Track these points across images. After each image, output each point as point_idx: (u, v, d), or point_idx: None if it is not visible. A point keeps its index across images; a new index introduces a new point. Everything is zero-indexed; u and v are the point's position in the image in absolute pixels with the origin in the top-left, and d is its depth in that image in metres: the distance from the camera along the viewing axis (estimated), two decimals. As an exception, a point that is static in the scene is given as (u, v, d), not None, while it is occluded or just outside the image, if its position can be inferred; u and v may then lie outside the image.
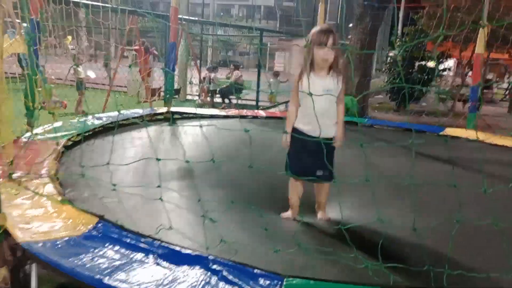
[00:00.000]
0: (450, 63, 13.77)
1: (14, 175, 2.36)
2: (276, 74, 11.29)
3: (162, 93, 7.17)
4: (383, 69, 12.64)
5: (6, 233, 1.79)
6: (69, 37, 8.46)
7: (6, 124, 2.28)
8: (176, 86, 10.02)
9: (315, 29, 2.29)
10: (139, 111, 4.65)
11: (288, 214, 2.46)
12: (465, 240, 1.93)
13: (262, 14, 39.29)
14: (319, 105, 2.09)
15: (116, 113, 4.41)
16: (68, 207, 2.05)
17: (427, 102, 11.73)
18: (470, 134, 4.66)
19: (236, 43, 25.22)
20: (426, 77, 11.05)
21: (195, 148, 3.25)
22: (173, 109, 4.91)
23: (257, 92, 9.57)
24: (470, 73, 15.83)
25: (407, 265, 1.62)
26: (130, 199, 2.31)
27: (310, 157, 2.28)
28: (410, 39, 11.40)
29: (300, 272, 1.60)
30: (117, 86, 8.81)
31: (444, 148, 3.70)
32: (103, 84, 8.71)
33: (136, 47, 8.39)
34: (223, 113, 5.43)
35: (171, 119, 4.57)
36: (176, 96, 9.23)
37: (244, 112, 5.71)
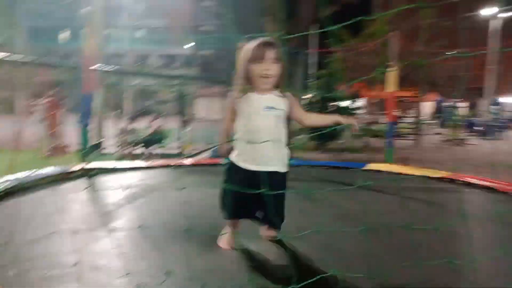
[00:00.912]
0: (360, 102, 14.80)
1: None
2: (186, 122, 11.14)
3: (69, 149, 6.70)
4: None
5: None
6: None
7: None
8: (95, 140, 9.49)
9: (251, 43, 1.95)
10: (48, 170, 4.23)
11: (223, 241, 2.08)
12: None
13: (180, 63, 39.64)
14: (259, 128, 1.82)
15: (23, 173, 3.95)
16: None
17: (344, 140, 12.33)
18: (391, 167, 4.88)
19: (155, 91, 24.94)
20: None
21: (119, 211, 2.97)
22: (90, 165, 4.55)
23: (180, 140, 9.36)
24: (378, 112, 17.07)
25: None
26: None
27: (247, 196, 1.82)
28: (324, 82, 12.10)
29: None
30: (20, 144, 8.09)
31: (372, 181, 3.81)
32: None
33: (47, 100, 7.84)
34: (146, 164, 5.16)
35: (89, 175, 4.21)
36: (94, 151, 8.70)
37: (170, 162, 5.49)
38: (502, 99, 22.40)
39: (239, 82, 1.94)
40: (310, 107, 12.31)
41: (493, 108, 19.26)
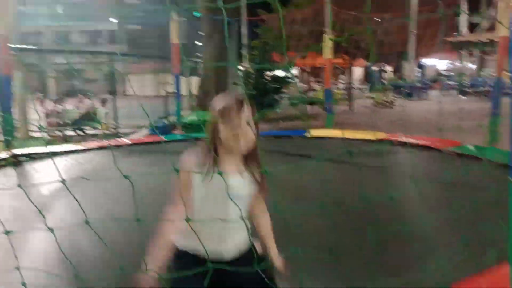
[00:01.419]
0: (295, 71, 14.98)
1: None
2: (104, 101, 10.59)
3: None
4: (238, 82, 13.07)
5: None
6: None
7: None
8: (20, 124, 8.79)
9: (220, 100, 1.51)
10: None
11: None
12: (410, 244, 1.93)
13: (106, 39, 37.47)
14: (215, 214, 1.46)
15: None
16: None
17: (281, 109, 12.48)
18: (333, 133, 5.00)
19: (81, 70, 23.52)
20: (278, 86, 11.77)
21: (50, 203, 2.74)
22: (18, 151, 4.17)
23: (116, 119, 8.91)
24: (312, 79, 17.44)
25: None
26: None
27: None
28: (259, 52, 12.03)
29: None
30: None
31: (315, 148, 3.87)
32: None
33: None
34: (80, 147, 4.84)
35: (18, 163, 3.87)
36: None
37: (106, 142, 5.20)
38: (424, 62, 23.82)
39: (202, 148, 1.52)
40: (247, 78, 12.27)
41: (416, 70, 20.43)
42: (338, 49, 11.45)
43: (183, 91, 6.68)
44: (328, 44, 5.51)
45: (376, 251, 1.81)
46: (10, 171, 3.67)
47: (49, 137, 9.03)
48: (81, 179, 3.32)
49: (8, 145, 4.17)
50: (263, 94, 11.26)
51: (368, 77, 23.30)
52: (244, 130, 1.45)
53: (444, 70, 24.55)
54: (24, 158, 4.05)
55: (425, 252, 1.91)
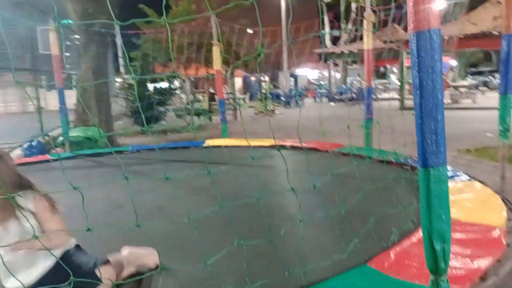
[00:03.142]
0: (177, 83, 14.94)
1: None
2: None
3: None
4: (119, 95, 12.57)
5: None
6: None
7: None
8: None
9: None
10: None
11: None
12: (304, 237, 2.11)
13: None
14: None
15: None
16: None
17: (166, 121, 12.34)
18: (229, 142, 5.18)
19: None
20: (163, 97, 11.65)
21: None
22: None
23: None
24: (195, 90, 17.55)
25: (271, 277, 1.65)
26: None
27: None
28: (139, 63, 11.76)
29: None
30: None
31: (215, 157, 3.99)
32: None
33: None
34: None
35: None
36: None
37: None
38: (297, 72, 25.77)
39: None
40: (128, 90, 11.86)
41: (290, 80, 21.96)
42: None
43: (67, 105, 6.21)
44: (217, 54, 5.70)
45: (277, 239, 1.98)
46: None
47: None
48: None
49: None
50: (147, 107, 11.04)
51: (247, 87, 24.29)
52: None
53: (314, 79, 26.88)
54: None
55: (336, 237, 2.16)
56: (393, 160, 3.84)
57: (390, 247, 2.01)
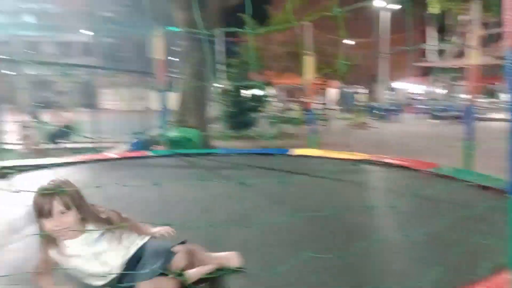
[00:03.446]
0: (272, 90, 15.27)
1: None
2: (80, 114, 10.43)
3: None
4: (216, 100, 13.21)
5: None
6: None
7: None
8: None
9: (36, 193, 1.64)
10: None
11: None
12: (383, 258, 2.05)
13: (78, 51, 36.91)
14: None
15: None
16: None
17: (259, 127, 12.66)
18: (316, 152, 5.15)
19: (53, 82, 23.07)
20: (256, 104, 11.98)
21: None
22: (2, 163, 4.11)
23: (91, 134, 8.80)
24: (289, 99, 17.73)
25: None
26: None
27: None
28: (237, 70, 12.24)
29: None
30: None
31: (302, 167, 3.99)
32: None
33: None
34: (65, 160, 4.80)
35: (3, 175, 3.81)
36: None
37: (89, 156, 5.16)
38: (395, 85, 24.73)
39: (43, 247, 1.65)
40: (224, 96, 12.41)
41: (388, 93, 21.17)
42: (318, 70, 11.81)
43: (169, 106, 6.74)
44: (310, 65, 5.72)
45: (350, 257, 1.92)
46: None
47: (24, 150, 8.82)
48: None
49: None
50: (241, 112, 11.43)
51: (341, 98, 23.94)
52: (60, 220, 1.56)
53: (415, 94, 25.54)
54: (10, 171, 3.99)
55: (416, 263, 2.04)
56: (494, 187, 3.50)
57: (476, 282, 1.84)
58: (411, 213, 2.88)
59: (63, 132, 9.42)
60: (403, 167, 4.43)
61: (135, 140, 7.98)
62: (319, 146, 6.40)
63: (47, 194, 1.58)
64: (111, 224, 1.69)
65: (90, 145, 8.83)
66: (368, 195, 3.53)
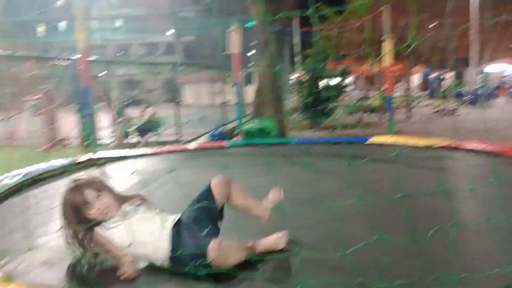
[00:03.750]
0: (350, 79, 14.86)
1: None
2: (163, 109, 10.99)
3: (67, 142, 6.68)
4: (292, 91, 13.21)
5: None
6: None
7: None
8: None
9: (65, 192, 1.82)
10: (56, 163, 4.20)
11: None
12: (462, 243, 1.94)
13: (163, 50, 39.08)
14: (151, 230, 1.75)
15: (32, 167, 3.91)
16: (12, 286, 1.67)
17: (336, 117, 12.42)
18: (396, 139, 4.94)
19: (141, 81, 24.69)
20: (332, 94, 11.75)
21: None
22: (96, 155, 4.52)
23: (177, 127, 9.31)
24: (367, 87, 17.16)
25: (413, 278, 1.57)
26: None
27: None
28: (313, 60, 12.09)
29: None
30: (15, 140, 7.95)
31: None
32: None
33: (39, 95, 7.71)
34: (150, 151, 5.14)
35: (97, 165, 4.18)
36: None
37: (171, 147, 5.47)
38: (487, 68, 22.70)
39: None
40: (300, 87, 12.35)
41: (479, 77, 19.52)
42: (396, 55, 11.27)
43: (245, 99, 6.93)
44: (389, 51, 5.47)
45: (425, 242, 1.80)
46: (93, 171, 3.98)
47: (115, 144, 9.59)
48: (157, 177, 3.53)
49: (88, 148, 4.52)
50: (317, 103, 11.29)
51: (426, 84, 22.55)
52: (100, 207, 1.75)
53: (510, 76, 23.22)
54: (103, 160, 4.36)
55: (498, 248, 1.88)
56: None
57: None
58: (493, 198, 2.66)
59: (150, 127, 10.08)
60: (489, 153, 4.08)
61: (214, 132, 8.30)
62: (399, 134, 6.13)
63: (75, 188, 1.78)
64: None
65: (173, 138, 9.35)
66: (448, 180, 3.32)
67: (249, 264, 1.68)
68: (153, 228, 1.75)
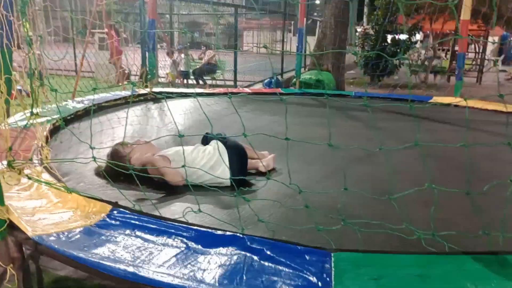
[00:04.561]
0: (419, 36, 13.95)
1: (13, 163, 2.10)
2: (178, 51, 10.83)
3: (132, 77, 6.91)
4: (356, 44, 12.65)
5: (10, 227, 1.58)
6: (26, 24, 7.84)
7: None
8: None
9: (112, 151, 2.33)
10: (119, 93, 4.41)
11: None
12: None
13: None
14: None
15: (100, 95, 4.14)
16: (74, 196, 1.84)
17: (399, 76, 11.84)
18: (460, 101, 4.67)
19: (202, 23, 24.65)
20: (398, 50, 11.14)
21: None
22: (156, 89, 4.67)
23: (235, 71, 9.32)
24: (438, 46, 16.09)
25: (459, 231, 1.54)
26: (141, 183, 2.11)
27: None
28: (382, 13, 11.40)
29: (348, 246, 1.48)
30: (83, 72, 8.36)
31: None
32: (67, 71, 8.17)
33: (105, 30, 7.95)
34: (206, 91, 5.23)
35: (157, 99, 4.34)
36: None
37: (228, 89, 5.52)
38: None
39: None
40: (365, 40, 11.79)
41: None
42: (473, 14, 10.35)
43: (306, 49, 6.74)
44: (468, 3, 5.01)
45: (478, 197, 1.73)
46: (151, 105, 4.16)
47: (172, 82, 9.81)
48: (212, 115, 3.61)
49: (149, 82, 4.67)
50: (382, 59, 10.76)
51: (502, 49, 20.71)
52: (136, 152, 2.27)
53: None
54: (163, 95, 4.51)
55: None
56: None
57: None
58: None
59: (208, 69, 10.18)
60: None
61: (270, 79, 8.24)
62: (466, 97, 5.75)
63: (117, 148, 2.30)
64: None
65: (229, 83, 9.41)
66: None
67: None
68: (211, 153, 2.25)
